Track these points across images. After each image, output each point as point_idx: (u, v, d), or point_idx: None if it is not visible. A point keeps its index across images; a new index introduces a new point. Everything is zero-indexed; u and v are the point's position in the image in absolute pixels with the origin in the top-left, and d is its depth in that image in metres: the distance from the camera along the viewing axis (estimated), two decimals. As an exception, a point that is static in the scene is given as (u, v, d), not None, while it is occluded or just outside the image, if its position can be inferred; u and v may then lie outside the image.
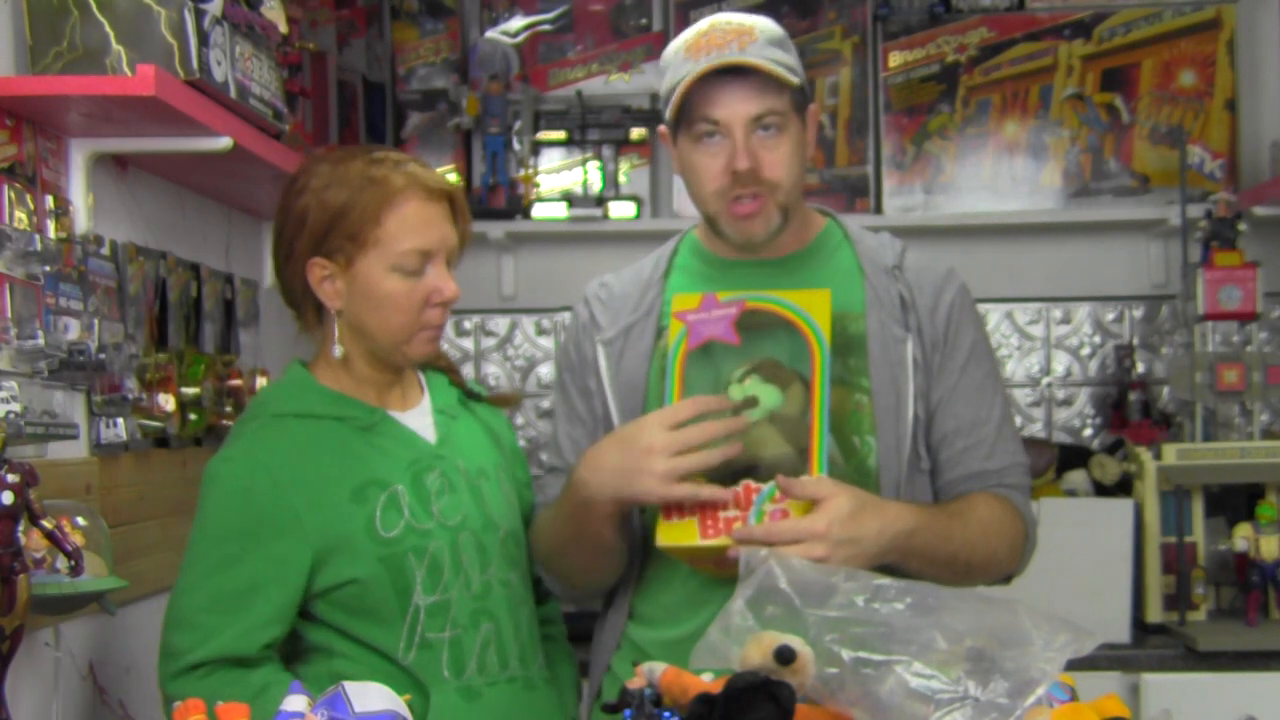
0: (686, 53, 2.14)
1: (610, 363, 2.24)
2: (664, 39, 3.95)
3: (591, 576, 2.26)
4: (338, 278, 2.08)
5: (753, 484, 2.04)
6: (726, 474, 2.05)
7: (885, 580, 1.83)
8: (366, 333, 2.10)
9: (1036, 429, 3.93)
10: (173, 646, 2.02)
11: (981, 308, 3.86)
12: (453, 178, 3.94)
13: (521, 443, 4.02)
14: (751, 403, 2.10)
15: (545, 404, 4.01)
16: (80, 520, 1.96)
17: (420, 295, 2.08)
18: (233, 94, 2.40)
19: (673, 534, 2.06)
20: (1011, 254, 3.94)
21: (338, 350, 2.11)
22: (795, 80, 2.14)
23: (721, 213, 2.17)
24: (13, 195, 2.11)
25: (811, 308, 2.11)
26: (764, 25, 2.16)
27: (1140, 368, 3.88)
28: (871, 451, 2.17)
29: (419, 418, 2.18)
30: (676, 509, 2.05)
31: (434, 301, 2.09)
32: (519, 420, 4.02)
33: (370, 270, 2.06)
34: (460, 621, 2.09)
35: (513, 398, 2.44)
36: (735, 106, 2.12)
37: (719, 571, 2.04)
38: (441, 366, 2.27)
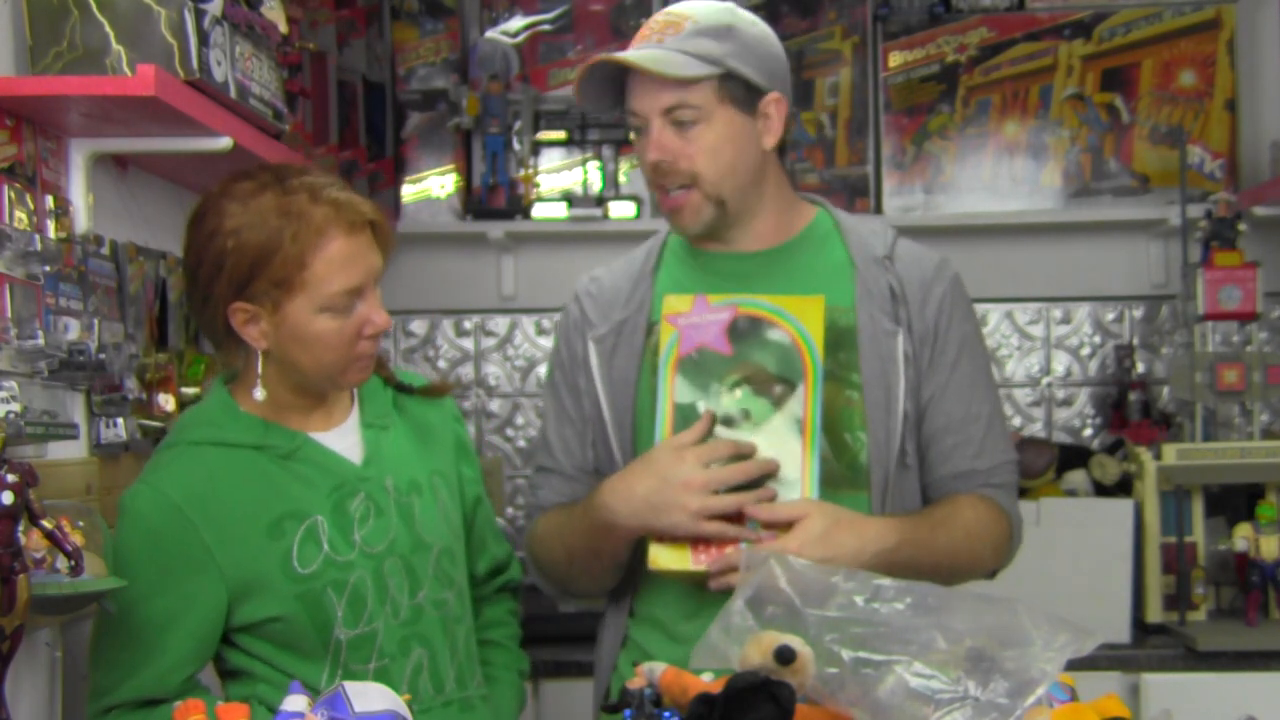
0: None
1: (602, 360, 2.24)
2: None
3: (597, 584, 2.28)
4: (263, 320, 1.98)
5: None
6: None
7: (885, 580, 1.83)
8: (297, 370, 2.02)
9: (1036, 429, 3.93)
10: (95, 685, 2.01)
11: (981, 308, 3.90)
12: (453, 178, 3.95)
13: (521, 443, 4.08)
14: (743, 415, 2.09)
15: (545, 404, 4.01)
16: (80, 520, 1.96)
17: (352, 330, 2.00)
18: (233, 94, 2.40)
19: (665, 558, 2.08)
20: (1011, 254, 3.94)
21: (260, 394, 2.02)
22: (692, 71, 2.10)
23: (660, 205, 2.20)
24: (13, 195, 2.11)
25: (804, 315, 2.10)
26: (704, 14, 2.15)
27: (1140, 368, 3.88)
28: (863, 448, 2.16)
29: (344, 436, 2.10)
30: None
31: (366, 334, 2.01)
32: (519, 420, 4.02)
33: (299, 313, 1.97)
34: (388, 651, 2.03)
35: (445, 387, 2.28)
36: (645, 100, 2.14)
37: (709, 588, 2.05)
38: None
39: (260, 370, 2.03)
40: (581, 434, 2.27)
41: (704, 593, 2.10)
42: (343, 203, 1.99)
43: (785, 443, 2.07)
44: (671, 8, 2.19)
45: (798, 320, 2.10)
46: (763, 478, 2.07)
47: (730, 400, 2.09)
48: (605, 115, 3.86)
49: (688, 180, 2.14)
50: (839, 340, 2.16)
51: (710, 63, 2.11)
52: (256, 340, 2.01)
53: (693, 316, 2.12)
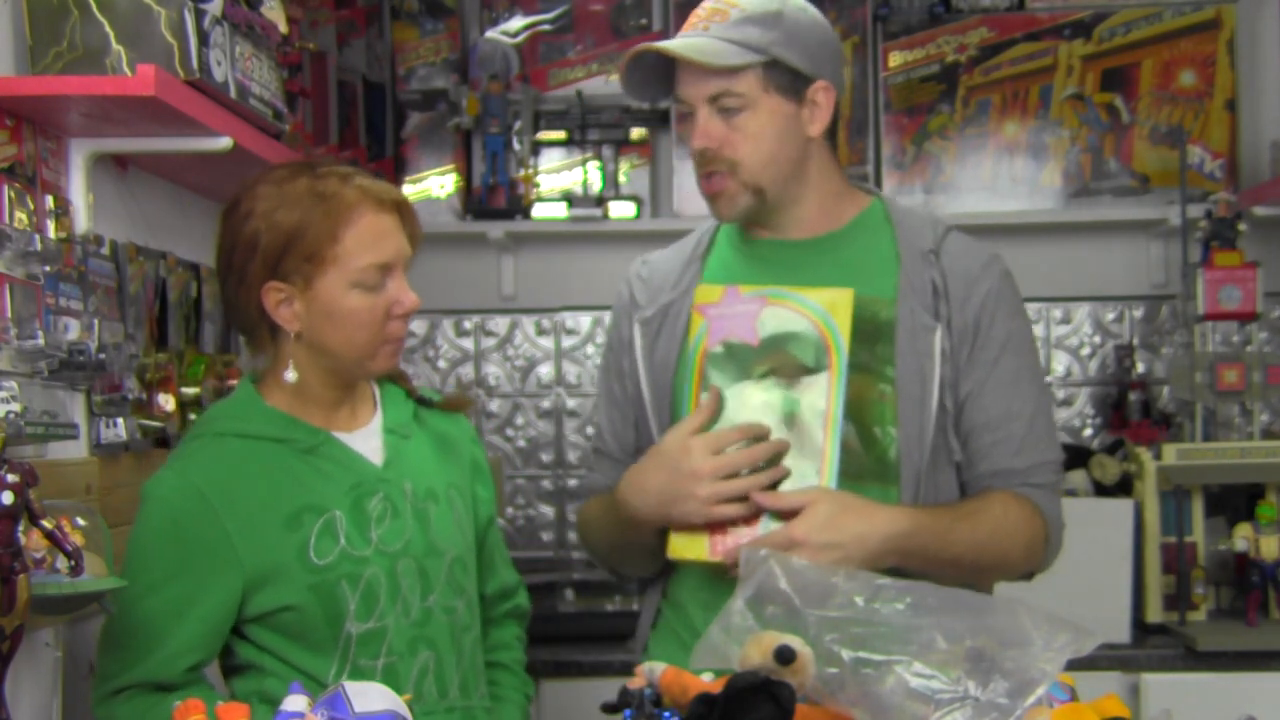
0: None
1: (646, 342, 2.25)
2: (664, 39, 3.94)
3: (640, 570, 2.33)
4: (295, 300, 2.03)
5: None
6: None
7: (885, 580, 1.83)
8: (328, 351, 2.06)
9: (1036, 429, 3.93)
10: (102, 669, 2.03)
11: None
12: (453, 178, 3.95)
13: (521, 443, 4.08)
14: (768, 406, 2.09)
15: (546, 404, 4.01)
16: (80, 520, 1.96)
17: (382, 309, 2.04)
18: (233, 94, 2.40)
19: (683, 548, 2.09)
20: (1011, 254, 3.85)
21: (291, 375, 2.06)
22: (736, 59, 2.12)
23: (701, 190, 2.22)
24: (13, 195, 2.11)
25: (833, 308, 2.10)
26: (752, 2, 2.16)
27: (1140, 368, 3.88)
28: (893, 443, 2.15)
29: (366, 439, 2.13)
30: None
31: (395, 314, 2.05)
32: (519, 420, 4.02)
33: (331, 289, 2.02)
34: (397, 649, 2.05)
35: (465, 401, 2.33)
36: (691, 87, 2.17)
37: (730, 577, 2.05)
38: (393, 375, 2.22)
39: (292, 354, 2.07)
40: (626, 416, 2.30)
41: (722, 585, 2.09)
42: (370, 186, 2.06)
43: (807, 433, 2.07)
44: None
45: (825, 312, 2.10)
46: (776, 459, 2.07)
47: (757, 390, 2.10)
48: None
49: (728, 167, 2.16)
50: (877, 333, 2.15)
51: (754, 50, 2.13)
52: (289, 322, 2.04)
53: (722, 307, 2.14)
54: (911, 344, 2.15)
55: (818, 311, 2.10)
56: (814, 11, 2.20)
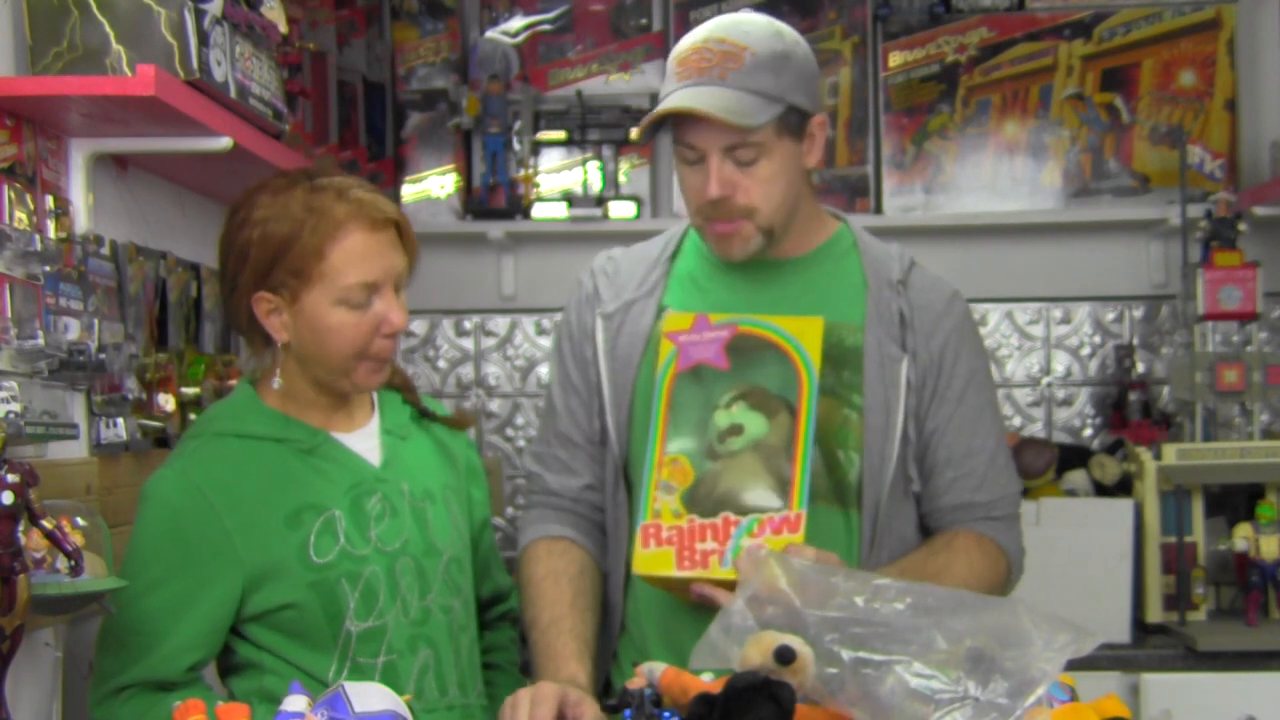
0: (677, 67, 2.12)
1: (607, 336, 2.25)
2: (664, 39, 3.95)
3: None
4: (284, 311, 2.04)
5: (731, 516, 2.04)
6: (706, 504, 2.06)
7: (885, 580, 1.83)
8: (314, 364, 2.07)
9: (1036, 429, 3.93)
10: (100, 668, 2.03)
11: (981, 308, 3.90)
12: (453, 178, 3.95)
13: (520, 443, 4.08)
14: (736, 430, 2.09)
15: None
16: (80, 520, 1.96)
17: (368, 327, 2.04)
18: (233, 94, 2.40)
19: (649, 563, 2.07)
20: (1011, 254, 3.94)
21: (277, 383, 2.08)
22: (765, 117, 2.08)
23: (703, 230, 2.19)
24: (13, 195, 2.11)
25: (803, 336, 2.11)
26: (759, 43, 2.11)
27: (1140, 368, 3.88)
28: (854, 467, 2.16)
29: (364, 439, 2.14)
30: (655, 536, 2.06)
31: (383, 332, 2.06)
32: (519, 420, 4.02)
33: (316, 304, 2.02)
34: (397, 647, 2.06)
35: (467, 420, 2.35)
36: (707, 137, 2.10)
37: (691, 599, 2.05)
38: (396, 384, 2.23)
39: (281, 362, 2.08)
40: (588, 404, 2.27)
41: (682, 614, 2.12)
42: (366, 201, 2.05)
43: (776, 459, 2.07)
44: (723, 30, 2.13)
45: (796, 340, 2.11)
46: (747, 498, 2.05)
47: (725, 415, 2.10)
48: (607, 116, 3.88)
49: (741, 213, 2.13)
50: (844, 358, 2.16)
51: (774, 100, 2.09)
52: (278, 332, 2.05)
53: (693, 334, 2.14)
54: (879, 373, 2.17)
55: (788, 338, 2.11)
56: (802, 41, 2.19)
